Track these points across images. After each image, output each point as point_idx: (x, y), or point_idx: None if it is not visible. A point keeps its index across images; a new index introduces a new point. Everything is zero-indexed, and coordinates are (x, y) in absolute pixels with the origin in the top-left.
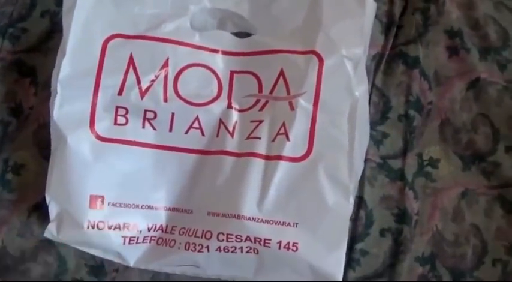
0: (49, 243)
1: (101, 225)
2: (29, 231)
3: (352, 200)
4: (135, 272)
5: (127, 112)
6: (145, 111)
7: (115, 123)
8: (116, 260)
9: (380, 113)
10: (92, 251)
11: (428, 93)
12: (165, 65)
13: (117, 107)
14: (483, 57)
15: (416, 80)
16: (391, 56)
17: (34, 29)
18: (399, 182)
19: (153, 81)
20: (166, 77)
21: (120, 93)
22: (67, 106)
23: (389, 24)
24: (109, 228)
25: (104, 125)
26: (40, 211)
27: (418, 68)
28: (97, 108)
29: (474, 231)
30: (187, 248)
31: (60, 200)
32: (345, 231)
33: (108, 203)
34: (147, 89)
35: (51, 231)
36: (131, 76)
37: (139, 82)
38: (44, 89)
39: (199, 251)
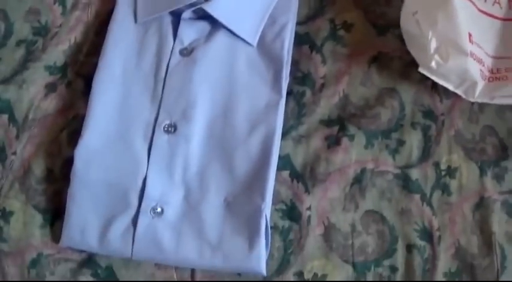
0: (391, 90)
1: (472, 56)
2: (370, 81)
3: None
4: None
5: None
6: None
7: None
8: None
9: None
10: (447, 84)
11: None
12: None
13: None
14: None
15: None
16: None
17: None
18: None
19: None
20: None
21: None
22: None
23: None
24: (474, 59)
25: None
26: (379, 63)
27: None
28: None
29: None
30: None
31: (445, 36)
32: None
33: (473, 41)
34: None
35: (437, 60)
36: None
37: None
38: None
39: None
